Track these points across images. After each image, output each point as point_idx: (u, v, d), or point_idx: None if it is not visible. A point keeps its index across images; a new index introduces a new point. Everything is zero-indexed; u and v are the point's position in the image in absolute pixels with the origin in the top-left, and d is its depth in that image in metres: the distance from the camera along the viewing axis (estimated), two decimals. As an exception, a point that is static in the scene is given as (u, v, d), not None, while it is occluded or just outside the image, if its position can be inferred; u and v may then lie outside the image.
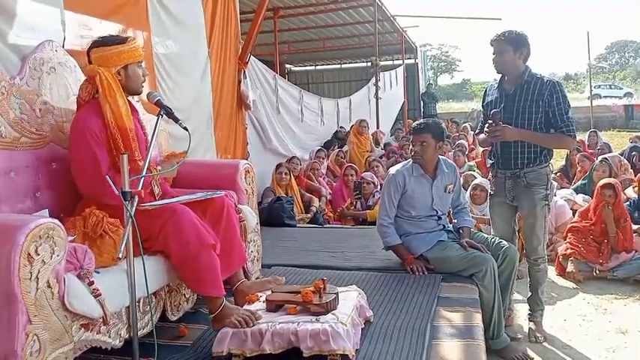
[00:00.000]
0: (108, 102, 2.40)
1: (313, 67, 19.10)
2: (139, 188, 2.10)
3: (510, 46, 3.15)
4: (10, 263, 1.68)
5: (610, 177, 5.64)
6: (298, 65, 18.92)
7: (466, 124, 13.06)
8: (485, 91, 3.51)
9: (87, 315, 1.95)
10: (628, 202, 5.35)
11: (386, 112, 12.86)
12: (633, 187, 6.11)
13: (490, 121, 3.17)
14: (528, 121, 3.15)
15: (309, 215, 5.66)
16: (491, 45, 3.22)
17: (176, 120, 2.41)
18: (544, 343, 3.32)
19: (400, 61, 15.83)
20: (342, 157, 7.91)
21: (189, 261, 2.33)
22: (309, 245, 4.23)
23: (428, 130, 3.30)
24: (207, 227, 2.48)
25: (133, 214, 2.02)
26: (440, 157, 3.41)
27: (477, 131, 3.67)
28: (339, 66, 18.94)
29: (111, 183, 2.06)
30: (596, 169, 6.10)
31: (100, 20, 3.23)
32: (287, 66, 17.76)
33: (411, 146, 3.44)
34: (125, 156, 2.04)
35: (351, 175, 6.23)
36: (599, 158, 6.34)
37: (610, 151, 8.12)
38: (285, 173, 5.82)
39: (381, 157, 8.52)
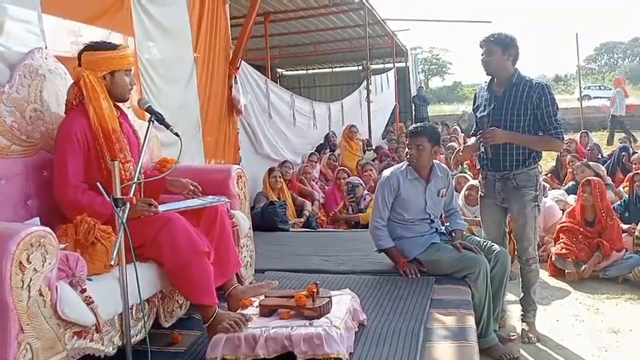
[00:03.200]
0: (92, 104, 2.41)
1: (305, 71, 19.12)
2: (131, 194, 2.10)
3: (499, 48, 3.18)
4: (2, 272, 1.68)
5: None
6: (290, 69, 18.93)
7: (456, 127, 13.12)
8: (475, 94, 3.54)
9: (79, 323, 1.95)
10: (619, 202, 5.40)
11: (378, 116, 12.90)
12: (623, 187, 6.18)
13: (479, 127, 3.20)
14: (517, 123, 3.18)
15: (302, 219, 5.67)
16: (481, 46, 3.24)
17: (167, 126, 2.41)
18: (537, 344, 3.33)
19: (391, 65, 15.86)
20: (334, 161, 7.93)
21: (182, 269, 2.32)
22: (302, 249, 4.23)
23: (424, 133, 3.32)
24: (201, 234, 2.48)
25: (124, 220, 2.02)
26: (434, 161, 3.43)
27: (470, 134, 3.70)
28: (330, 70, 18.96)
29: (102, 190, 2.05)
30: (577, 174, 6.19)
31: (84, 26, 3.22)
32: (278, 70, 17.78)
33: (406, 149, 3.46)
34: (116, 162, 2.04)
35: (343, 179, 6.25)
36: (579, 164, 6.40)
37: (600, 152, 8.20)
38: (279, 177, 5.83)
39: (373, 161, 8.54)
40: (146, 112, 2.47)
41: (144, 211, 2.34)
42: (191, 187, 2.66)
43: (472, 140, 3.46)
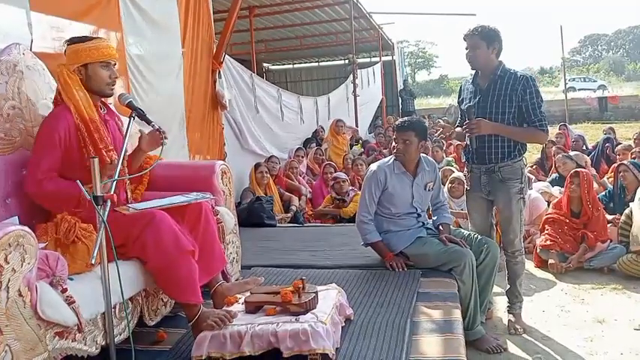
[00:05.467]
0: (67, 96, 2.39)
1: (291, 66, 19.08)
2: (112, 191, 2.06)
3: (483, 42, 3.17)
4: (-21, 273, 1.64)
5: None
6: (276, 64, 18.89)
7: (439, 120, 13.17)
8: (461, 87, 3.53)
9: (61, 323, 1.91)
10: (603, 193, 5.44)
11: (364, 110, 12.90)
12: (608, 178, 6.23)
13: (465, 119, 3.20)
14: (502, 116, 3.18)
15: (289, 215, 5.65)
16: (464, 40, 3.23)
17: (148, 122, 2.38)
18: (523, 335, 3.35)
19: (377, 59, 15.88)
20: (320, 155, 7.91)
21: (167, 268, 2.29)
22: (289, 245, 4.21)
23: (411, 128, 3.31)
24: (185, 232, 2.44)
25: (105, 219, 1.98)
26: (421, 155, 3.43)
27: (455, 126, 3.70)
28: (316, 64, 18.95)
29: (81, 187, 2.01)
30: (559, 166, 6.23)
31: (70, 22, 3.17)
32: (264, 65, 17.72)
33: (393, 143, 3.44)
34: (96, 160, 2.00)
35: (330, 173, 6.24)
36: (560, 156, 6.44)
37: (584, 144, 8.28)
38: (266, 172, 5.80)
39: (360, 155, 8.54)
40: (127, 108, 2.43)
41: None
42: (157, 131, 2.49)
43: (457, 130, 3.46)
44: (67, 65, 2.42)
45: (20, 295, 1.77)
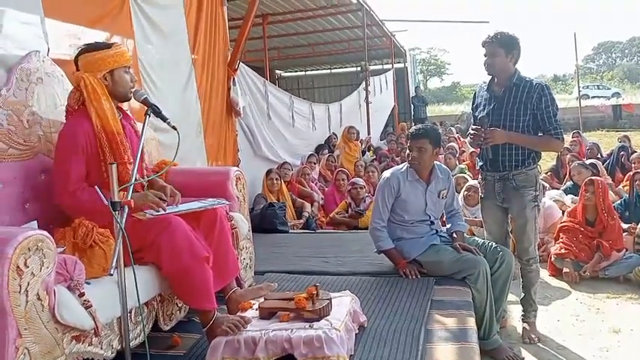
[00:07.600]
0: (93, 106, 2.40)
1: (303, 73, 19.13)
2: (129, 197, 2.08)
3: (502, 49, 3.16)
4: (-1, 276, 1.66)
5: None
6: (288, 71, 18.95)
7: (451, 128, 13.12)
8: (475, 93, 3.52)
9: (78, 327, 1.93)
10: (619, 202, 5.39)
11: (376, 117, 12.90)
12: (623, 187, 6.17)
13: (477, 126, 3.19)
14: (517, 124, 3.17)
15: (301, 221, 5.65)
16: (483, 47, 3.22)
17: (164, 119, 2.38)
18: (538, 344, 3.32)
19: (389, 66, 15.88)
20: (332, 162, 7.92)
21: (181, 275, 2.30)
22: (302, 251, 4.22)
23: (426, 136, 3.30)
24: (200, 238, 2.45)
25: (123, 225, 2.00)
26: (435, 162, 3.42)
27: (467, 134, 3.69)
28: (329, 71, 18.98)
29: (99, 192, 2.03)
30: (573, 175, 6.18)
31: (84, 29, 3.20)
32: (277, 72, 17.78)
33: (407, 151, 3.44)
34: (114, 166, 2.02)
35: (342, 180, 6.23)
36: (576, 164, 6.37)
37: (599, 152, 8.21)
38: (276, 179, 5.81)
39: (372, 162, 8.53)
40: (142, 105, 2.45)
41: (153, 204, 2.30)
42: (167, 196, 2.47)
43: (467, 139, 3.45)
44: (92, 72, 2.43)
45: (39, 298, 1.79)
